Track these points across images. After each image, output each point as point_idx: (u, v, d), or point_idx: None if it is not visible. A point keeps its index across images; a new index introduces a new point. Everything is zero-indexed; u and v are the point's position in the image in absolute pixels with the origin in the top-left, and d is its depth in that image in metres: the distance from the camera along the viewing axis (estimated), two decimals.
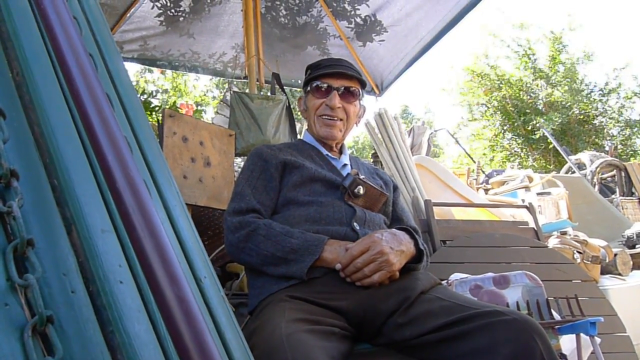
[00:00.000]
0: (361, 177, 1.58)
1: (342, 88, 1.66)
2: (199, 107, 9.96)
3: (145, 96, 3.98)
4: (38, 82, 0.60)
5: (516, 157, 14.03)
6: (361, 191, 1.56)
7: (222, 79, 9.60)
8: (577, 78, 13.67)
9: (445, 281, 2.00)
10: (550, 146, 11.03)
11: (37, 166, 0.56)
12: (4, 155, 0.49)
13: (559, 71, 13.66)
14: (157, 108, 3.81)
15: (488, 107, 14.17)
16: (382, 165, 3.38)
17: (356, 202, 1.56)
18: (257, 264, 1.42)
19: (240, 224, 1.45)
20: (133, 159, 0.53)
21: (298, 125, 3.71)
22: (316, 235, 1.40)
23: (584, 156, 7.54)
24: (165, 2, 4.34)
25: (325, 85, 1.67)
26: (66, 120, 0.61)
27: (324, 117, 1.67)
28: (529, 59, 13.95)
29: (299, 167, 1.57)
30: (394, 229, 1.47)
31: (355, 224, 1.48)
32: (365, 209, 1.57)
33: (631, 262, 3.69)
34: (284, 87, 3.70)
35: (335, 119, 1.67)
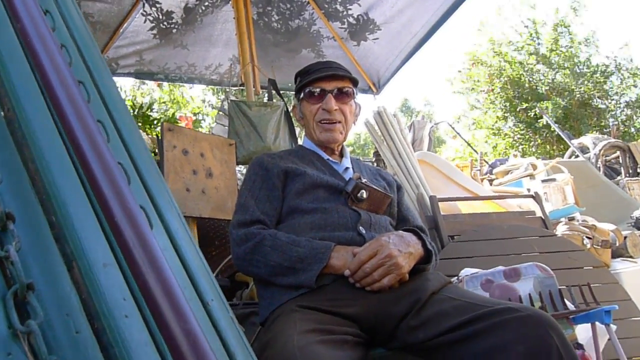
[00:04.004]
0: (363, 180, 1.57)
1: (336, 90, 1.65)
2: (198, 117, 9.97)
3: (144, 110, 3.99)
4: (30, 117, 0.59)
5: (519, 143, 13.97)
6: (364, 195, 1.55)
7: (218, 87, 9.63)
8: (580, 61, 13.59)
9: (456, 277, 1.99)
10: (554, 132, 10.97)
11: (33, 205, 0.55)
12: None
13: (561, 55, 13.56)
14: (156, 121, 3.81)
15: (489, 94, 14.10)
16: (384, 163, 3.36)
17: (360, 206, 1.55)
18: (265, 275, 1.42)
19: (246, 236, 1.44)
20: (130, 189, 0.52)
21: (297, 130, 3.70)
22: (323, 242, 1.39)
23: (587, 139, 7.50)
24: (157, 15, 4.34)
25: (318, 89, 1.66)
26: (61, 154, 0.60)
27: (323, 122, 1.66)
28: (533, 41, 13.86)
29: (300, 174, 1.56)
30: (400, 231, 1.46)
31: (361, 228, 1.47)
32: (370, 212, 1.55)
33: None
34: (282, 92, 3.69)
35: (334, 121, 1.66)
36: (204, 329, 0.58)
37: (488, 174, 5.66)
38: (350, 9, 4.22)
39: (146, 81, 10.10)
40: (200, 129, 8.83)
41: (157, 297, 0.46)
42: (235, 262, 1.49)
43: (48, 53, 0.57)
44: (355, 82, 1.73)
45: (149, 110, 3.96)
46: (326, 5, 4.27)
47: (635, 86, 13.72)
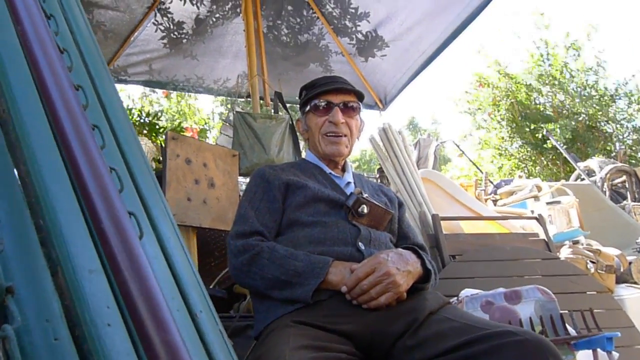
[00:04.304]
0: (365, 195, 1.56)
1: (343, 103, 1.66)
2: (205, 127, 10.03)
3: (150, 117, 4.01)
4: (25, 119, 0.59)
5: (525, 164, 13.91)
6: (365, 210, 1.53)
7: (225, 98, 9.71)
8: (588, 84, 13.57)
9: (456, 298, 1.96)
10: (560, 154, 10.93)
11: (20, 207, 0.54)
12: None
13: (570, 77, 13.56)
14: (162, 129, 3.83)
15: (495, 116, 14.09)
16: (387, 180, 3.35)
17: (360, 221, 1.53)
18: (261, 287, 1.40)
19: (244, 247, 1.43)
20: (119, 197, 0.51)
21: (302, 143, 3.71)
22: (321, 257, 1.37)
23: (593, 163, 7.45)
24: (168, 25, 4.39)
25: (325, 102, 1.66)
26: (54, 158, 0.59)
27: (329, 134, 1.66)
28: (544, 62, 13.87)
29: (302, 187, 1.56)
30: (400, 249, 1.45)
31: (360, 243, 1.46)
32: (370, 228, 1.54)
33: None
34: (288, 105, 3.71)
35: (340, 134, 1.66)
36: (190, 340, 0.57)
37: (492, 194, 5.62)
38: (359, 26, 4.26)
39: (154, 90, 10.20)
40: (205, 140, 8.89)
41: (139, 306, 0.45)
42: (232, 273, 1.48)
43: (46, 56, 0.56)
44: (361, 98, 1.73)
45: (156, 118, 3.98)
46: (335, 21, 4.30)
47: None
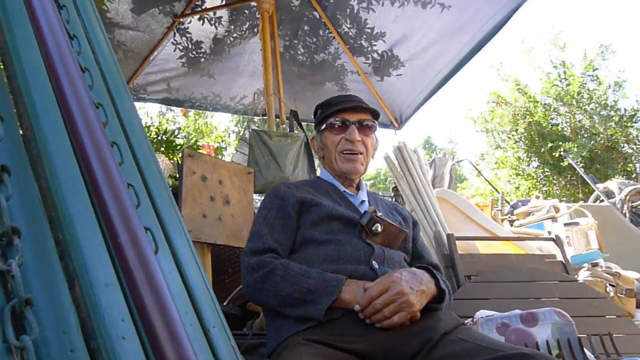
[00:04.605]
0: (379, 214, 1.56)
1: (358, 122, 1.67)
2: (221, 145, 10.12)
3: (168, 135, 4.08)
4: (47, 135, 0.61)
5: (542, 185, 13.74)
6: (379, 229, 1.53)
7: (241, 117, 9.83)
8: (607, 104, 13.45)
9: (471, 319, 1.93)
10: (579, 174, 10.79)
11: (41, 221, 0.56)
12: (5, 212, 0.49)
13: (588, 98, 13.46)
14: (179, 147, 3.89)
15: (513, 135, 14.00)
16: (402, 199, 3.34)
17: (375, 240, 1.53)
18: (274, 305, 1.40)
19: (258, 264, 1.43)
20: (136, 212, 0.52)
21: (316, 162, 3.73)
22: (334, 275, 1.37)
23: (612, 184, 7.33)
24: (187, 45, 4.49)
25: (341, 120, 1.67)
26: (74, 174, 0.61)
27: (345, 152, 1.67)
28: (562, 82, 13.80)
29: (316, 205, 1.56)
30: (413, 268, 1.44)
31: (374, 262, 1.45)
32: (384, 247, 1.53)
33: None
34: (303, 124, 3.74)
35: (357, 152, 1.66)
36: (202, 355, 0.58)
37: (509, 215, 5.56)
38: (375, 45, 4.30)
39: (172, 108, 10.37)
40: (221, 157, 8.97)
41: (154, 319, 0.46)
42: (246, 290, 1.48)
43: (68, 75, 0.59)
44: (376, 116, 1.74)
45: (173, 136, 4.05)
46: (351, 41, 4.35)
47: None
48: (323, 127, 1.72)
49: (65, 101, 0.57)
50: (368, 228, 1.52)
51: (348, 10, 4.13)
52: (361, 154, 1.68)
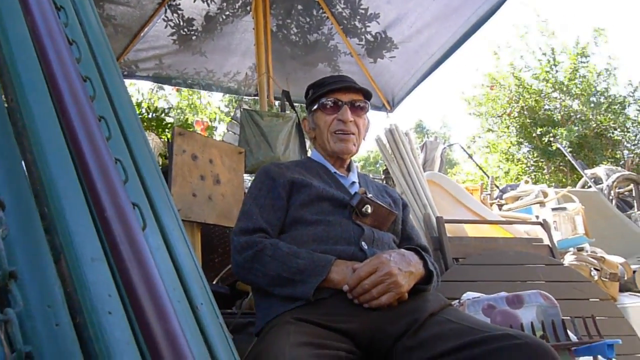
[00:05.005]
0: (369, 195, 1.56)
1: (351, 102, 1.66)
2: (213, 124, 10.01)
3: (158, 114, 4.02)
4: (32, 107, 0.60)
5: (532, 170, 13.84)
6: (369, 210, 1.53)
7: (233, 97, 9.72)
8: (597, 91, 13.51)
9: (458, 301, 1.96)
10: (568, 160, 10.87)
11: (26, 194, 0.55)
12: None
13: (579, 84, 13.50)
14: (169, 125, 3.84)
15: (505, 119, 14.03)
16: (393, 181, 3.35)
17: (364, 221, 1.53)
18: (263, 284, 1.41)
19: (247, 243, 1.43)
20: (124, 187, 0.51)
21: (307, 143, 3.71)
22: (323, 256, 1.37)
23: (600, 170, 7.41)
24: (178, 22, 4.41)
25: (334, 100, 1.66)
26: (60, 148, 0.60)
27: (337, 132, 1.66)
28: (552, 69, 13.82)
29: (306, 185, 1.56)
30: (402, 249, 1.45)
31: (363, 243, 1.46)
32: (373, 228, 1.54)
33: None
34: (295, 104, 3.71)
35: (349, 132, 1.66)
36: (190, 331, 0.58)
37: (498, 199, 5.60)
38: (368, 26, 4.25)
39: (163, 87, 10.21)
40: (213, 136, 8.89)
41: (140, 295, 0.45)
42: (235, 270, 1.49)
43: (55, 47, 0.57)
44: (368, 97, 1.73)
45: (164, 114, 4.00)
46: (345, 21, 4.30)
47: None
48: (315, 107, 1.71)
49: (51, 73, 0.56)
50: (358, 209, 1.53)
51: None
52: (353, 134, 1.67)
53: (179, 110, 10.71)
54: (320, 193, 1.55)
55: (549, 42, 14.09)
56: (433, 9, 3.85)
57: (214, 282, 2.84)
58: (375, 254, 1.38)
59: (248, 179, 3.26)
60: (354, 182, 1.70)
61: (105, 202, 0.49)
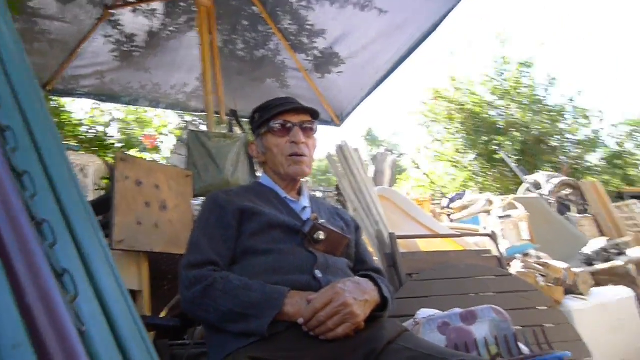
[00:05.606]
0: (321, 221, 1.54)
1: (300, 123, 1.64)
2: (161, 135, 9.69)
3: (98, 133, 3.86)
4: None
5: (478, 176, 14.31)
6: (322, 236, 1.51)
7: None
8: (538, 99, 14.19)
9: (413, 319, 1.96)
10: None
11: None
12: None
13: (521, 93, 14.14)
14: (111, 146, 3.69)
15: (449, 128, 14.46)
16: (344, 197, 3.35)
17: (317, 248, 1.51)
18: (215, 320, 1.35)
19: (196, 278, 1.37)
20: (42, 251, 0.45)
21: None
22: (276, 288, 1.33)
23: (540, 176, 7.76)
24: (119, 38, 4.27)
25: (284, 123, 1.63)
26: None
27: (292, 155, 1.62)
28: (499, 76, 14.41)
29: (257, 213, 1.51)
30: (357, 277, 1.43)
31: (317, 271, 1.43)
32: (326, 254, 1.52)
33: (592, 281, 3.75)
34: (242, 122, 3.65)
35: (303, 155, 1.63)
36: None
37: (447, 208, 5.74)
38: (315, 42, 4.27)
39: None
40: (159, 154, 8.62)
41: None
42: (184, 306, 1.42)
43: None
44: (316, 117, 1.72)
45: (104, 134, 3.84)
46: (292, 37, 4.30)
47: (585, 127, 14.46)
48: (264, 130, 1.67)
49: None
50: (310, 236, 1.50)
51: (287, 6, 4.07)
52: (306, 156, 1.65)
53: (123, 124, 10.30)
54: (271, 221, 1.51)
55: (499, 52, 14.73)
56: (377, 25, 3.91)
57: (165, 311, 2.73)
58: (330, 284, 1.35)
59: (197, 204, 3.17)
60: (305, 207, 1.67)
61: (26, 284, 0.43)
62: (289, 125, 1.63)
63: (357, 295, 1.32)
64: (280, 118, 1.64)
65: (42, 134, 0.69)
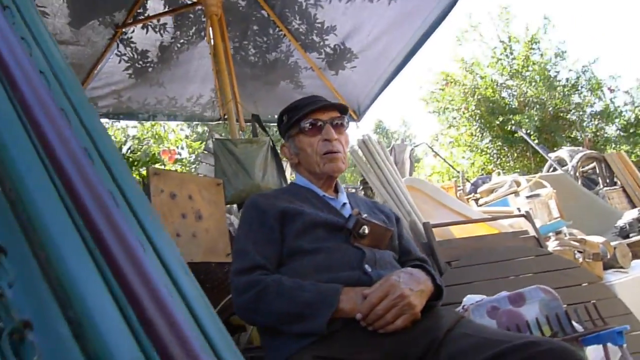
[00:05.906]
0: (364, 216, 1.53)
1: (331, 120, 1.63)
2: (179, 150, 9.78)
3: (123, 150, 3.92)
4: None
5: (496, 158, 14.15)
6: (366, 231, 1.50)
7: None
8: (550, 75, 13.97)
9: (461, 306, 1.94)
10: (530, 145, 11.19)
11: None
12: None
13: (532, 70, 13.93)
14: (136, 162, 3.73)
15: (464, 113, 14.31)
16: (372, 191, 3.33)
17: (363, 243, 1.50)
18: (271, 323, 1.36)
19: (248, 284, 1.37)
20: (121, 214, 0.46)
21: (285, 163, 3.66)
22: (330, 285, 1.33)
23: (563, 152, 7.65)
24: (132, 55, 4.31)
25: (315, 121, 1.62)
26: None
27: (327, 153, 1.61)
28: (507, 57, 14.23)
29: (298, 213, 1.51)
30: (409, 268, 1.42)
31: (366, 266, 1.42)
32: (372, 248, 1.51)
33: (630, 253, 3.68)
34: (265, 125, 3.65)
35: (337, 152, 1.62)
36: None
37: (473, 194, 5.68)
38: (326, 40, 4.25)
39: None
40: (180, 164, 8.68)
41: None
42: (238, 312, 1.43)
43: (24, 73, 0.51)
44: (344, 112, 1.71)
45: (121, 149, 3.88)
46: (302, 37, 4.29)
47: (600, 99, 14.21)
48: (295, 131, 1.67)
49: (25, 103, 0.50)
50: (355, 231, 1.49)
51: (296, 6, 4.06)
52: (340, 152, 1.64)
53: (137, 141, 10.42)
54: (313, 220, 1.50)
55: (505, 30, 14.53)
56: (387, 16, 3.87)
57: None
58: (383, 277, 1.35)
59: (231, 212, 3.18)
60: (344, 204, 1.66)
61: (108, 238, 0.44)
62: (319, 123, 1.62)
63: (412, 286, 1.31)
64: (310, 117, 1.63)
65: (110, 155, 0.70)
